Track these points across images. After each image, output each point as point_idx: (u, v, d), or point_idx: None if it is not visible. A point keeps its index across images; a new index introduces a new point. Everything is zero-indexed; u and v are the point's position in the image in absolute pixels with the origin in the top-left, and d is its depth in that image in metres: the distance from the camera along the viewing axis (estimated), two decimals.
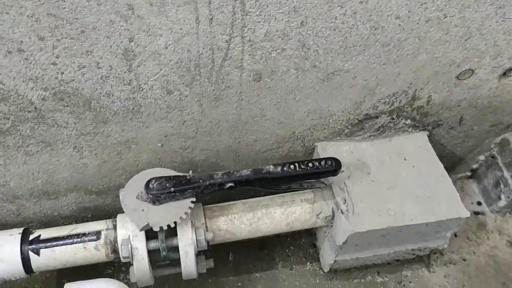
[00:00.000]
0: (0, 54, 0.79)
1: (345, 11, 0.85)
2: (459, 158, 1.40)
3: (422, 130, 1.22)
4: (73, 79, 0.86)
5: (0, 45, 0.77)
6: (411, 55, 0.98)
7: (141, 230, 0.95)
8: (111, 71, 0.87)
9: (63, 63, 0.83)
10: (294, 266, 1.35)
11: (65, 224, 1.29)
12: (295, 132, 1.14)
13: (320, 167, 1.03)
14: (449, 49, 0.98)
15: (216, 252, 1.20)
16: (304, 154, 1.23)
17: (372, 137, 1.20)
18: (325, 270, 1.30)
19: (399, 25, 0.90)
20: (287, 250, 1.38)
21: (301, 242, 1.39)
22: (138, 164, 1.13)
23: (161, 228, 0.96)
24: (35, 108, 0.90)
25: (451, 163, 1.41)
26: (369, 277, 1.34)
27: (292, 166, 1.02)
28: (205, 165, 1.19)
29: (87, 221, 1.29)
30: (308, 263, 1.36)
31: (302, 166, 1.03)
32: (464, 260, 1.39)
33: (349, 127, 1.16)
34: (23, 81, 0.84)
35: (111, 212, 1.30)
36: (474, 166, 1.47)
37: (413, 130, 1.22)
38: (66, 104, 0.91)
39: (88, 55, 0.82)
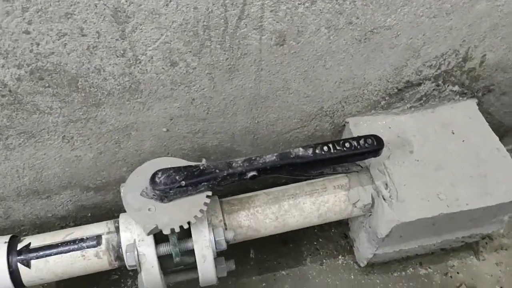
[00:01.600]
0: None
1: None
2: (509, 128, 1.22)
3: (471, 97, 1.05)
4: (52, 51, 0.69)
5: None
6: (468, 4, 0.80)
7: (148, 234, 0.79)
8: (99, 39, 0.69)
9: (37, 31, 0.65)
10: (324, 260, 1.19)
11: (62, 226, 1.13)
12: (324, 107, 0.97)
13: (359, 147, 0.86)
14: None
15: (235, 250, 1.02)
16: (333, 132, 1.06)
17: (413, 109, 1.02)
18: (362, 265, 1.13)
19: None
20: (315, 243, 1.22)
21: (330, 233, 1.23)
22: (140, 153, 0.96)
23: (172, 230, 0.79)
24: (10, 91, 0.73)
25: (499, 133, 1.22)
26: (411, 269, 1.17)
27: (325, 148, 0.85)
28: (218, 151, 1.02)
29: (86, 221, 1.14)
30: (340, 257, 1.19)
31: (338, 147, 0.85)
32: None
33: (387, 98, 0.98)
34: None
35: (114, 209, 1.14)
36: None
37: (461, 98, 1.04)
38: (47, 85, 0.74)
39: (68, 18, 0.64)
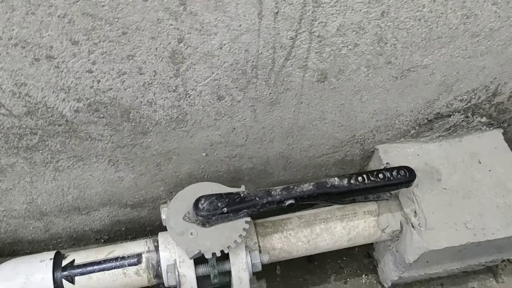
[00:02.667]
0: (26, 62, 0.65)
1: None
2: None
3: (497, 127, 1.08)
4: (111, 87, 0.73)
5: (25, 52, 0.64)
6: (501, 46, 0.83)
7: (191, 258, 0.83)
8: (155, 77, 0.73)
9: (100, 70, 0.69)
10: (348, 279, 1.23)
11: (97, 239, 1.18)
12: (356, 135, 1.00)
13: (392, 178, 0.90)
14: None
15: (262, 266, 1.07)
16: (362, 157, 1.10)
17: (441, 138, 1.06)
18: (386, 286, 1.17)
19: (495, 12, 0.75)
20: (339, 261, 1.26)
21: (354, 252, 1.26)
22: (178, 175, 1.00)
23: (213, 254, 0.83)
24: (66, 121, 0.77)
25: None
26: None
27: (360, 178, 0.89)
28: (252, 173, 1.06)
29: (120, 234, 1.18)
30: (363, 275, 1.23)
31: (372, 178, 0.89)
32: None
33: (416, 127, 1.01)
34: (53, 92, 0.71)
35: (147, 224, 1.18)
36: None
37: (487, 128, 1.07)
38: (101, 116, 0.78)
39: (129, 60, 0.69)
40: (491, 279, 1.23)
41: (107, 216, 1.09)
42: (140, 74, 0.72)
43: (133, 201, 1.06)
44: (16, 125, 0.76)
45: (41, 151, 0.83)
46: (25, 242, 1.12)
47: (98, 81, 0.71)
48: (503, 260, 1.23)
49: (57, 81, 0.69)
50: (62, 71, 0.68)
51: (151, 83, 0.74)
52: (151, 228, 1.20)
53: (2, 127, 0.75)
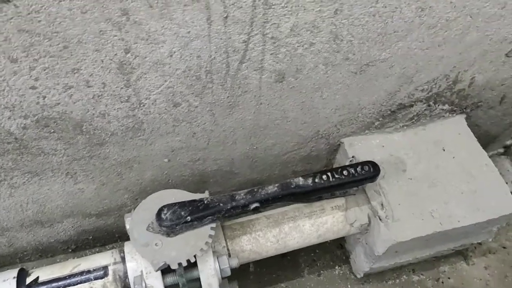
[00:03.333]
0: None
1: None
2: (494, 136, 1.26)
3: (460, 113, 1.08)
4: (58, 102, 0.70)
5: None
6: (459, 36, 0.82)
7: (157, 270, 0.81)
8: (104, 89, 0.70)
9: (44, 86, 0.66)
10: (321, 271, 1.23)
11: (64, 249, 1.15)
12: (320, 131, 0.99)
13: (356, 174, 0.89)
14: (503, 25, 0.83)
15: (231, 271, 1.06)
16: (328, 151, 1.09)
17: (405, 127, 1.06)
18: (358, 276, 1.17)
19: (451, 2, 0.74)
20: (312, 254, 1.26)
21: (327, 244, 1.26)
22: (141, 182, 0.98)
23: (180, 264, 0.81)
24: (15, 138, 0.74)
25: (484, 142, 1.27)
26: (404, 276, 1.22)
27: (324, 177, 0.88)
28: (218, 175, 1.04)
29: (88, 243, 1.15)
30: (336, 267, 1.23)
31: (336, 176, 0.88)
32: (504, 247, 1.28)
33: (380, 119, 1.01)
34: None
35: (115, 231, 1.16)
36: (508, 142, 1.34)
37: (450, 115, 1.07)
38: (52, 131, 0.75)
39: (74, 73, 0.65)
40: (461, 262, 1.25)
41: (72, 227, 1.06)
42: (88, 87, 0.69)
43: (97, 210, 1.03)
44: None
45: None
46: None
47: (44, 97, 0.68)
48: (472, 243, 1.25)
49: (0, 100, 0.66)
50: (3, 90, 0.64)
51: (101, 95, 0.71)
52: (120, 234, 1.18)
53: None
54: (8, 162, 0.79)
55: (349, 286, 1.20)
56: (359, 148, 1.04)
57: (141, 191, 1.00)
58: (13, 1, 0.53)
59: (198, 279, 0.89)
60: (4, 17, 0.55)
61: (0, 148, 0.75)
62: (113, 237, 1.18)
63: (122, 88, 0.71)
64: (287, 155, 1.04)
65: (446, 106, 1.03)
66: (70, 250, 1.17)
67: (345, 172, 0.89)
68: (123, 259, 0.92)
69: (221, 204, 0.84)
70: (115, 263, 0.92)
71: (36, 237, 1.06)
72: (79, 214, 1.02)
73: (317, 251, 1.26)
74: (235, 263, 0.90)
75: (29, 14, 0.55)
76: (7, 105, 0.67)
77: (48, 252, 1.15)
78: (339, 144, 1.07)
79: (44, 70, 0.63)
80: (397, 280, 1.21)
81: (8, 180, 0.83)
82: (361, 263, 1.11)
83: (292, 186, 0.87)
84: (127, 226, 0.88)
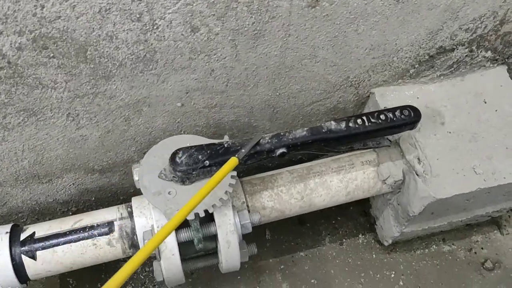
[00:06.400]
0: None
1: None
2: None
3: (501, 64, 0.98)
4: (58, 15, 0.59)
5: None
6: None
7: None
8: (112, 0, 0.60)
9: None
10: (344, 240, 1.13)
11: (63, 211, 1.05)
12: (350, 77, 0.89)
13: (395, 119, 0.79)
14: None
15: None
16: (356, 104, 0.99)
17: (442, 77, 0.95)
18: (386, 244, 1.07)
19: None
20: (333, 222, 1.16)
21: (349, 211, 1.17)
22: (151, 131, 0.88)
23: (196, 215, 0.71)
24: (9, 62, 0.64)
25: None
26: (434, 246, 1.12)
27: (359, 121, 0.78)
28: (234, 127, 0.94)
29: (90, 205, 1.05)
30: (360, 235, 1.14)
31: (373, 120, 0.78)
32: None
33: (416, 65, 0.91)
34: None
35: (119, 193, 1.06)
36: None
37: (491, 65, 0.97)
38: (51, 55, 0.65)
39: None
40: (495, 231, 1.15)
41: (73, 184, 0.96)
42: None
43: (101, 165, 0.93)
44: None
45: None
46: None
47: (42, 6, 0.57)
48: (508, 211, 1.15)
49: None
50: None
51: (109, 8, 0.60)
52: (124, 196, 1.08)
53: None
54: (1, 95, 0.69)
55: (374, 255, 1.11)
56: (391, 99, 0.94)
57: (150, 142, 0.90)
58: None
59: (215, 236, 0.79)
60: None
61: None
62: (117, 199, 1.08)
63: (133, 1, 0.60)
64: (311, 105, 0.94)
65: (489, 54, 0.93)
66: (71, 213, 1.07)
67: (382, 117, 0.79)
68: (130, 214, 0.82)
69: (243, 149, 0.74)
70: (121, 218, 0.82)
71: (32, 195, 0.96)
72: (81, 169, 0.92)
73: (339, 218, 1.16)
74: (257, 218, 0.80)
75: None
76: None
77: (45, 215, 1.05)
78: (369, 96, 0.96)
79: None
80: (426, 250, 1.12)
81: (0, 119, 0.73)
82: (390, 228, 1.02)
83: (323, 130, 0.77)
84: (136, 177, 0.79)
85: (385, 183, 0.90)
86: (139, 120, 0.84)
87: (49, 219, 1.06)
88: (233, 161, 0.69)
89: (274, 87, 0.86)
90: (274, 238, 1.12)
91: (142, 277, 1.07)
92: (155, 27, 0.65)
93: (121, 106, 0.79)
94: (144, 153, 0.92)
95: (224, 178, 0.75)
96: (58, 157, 0.87)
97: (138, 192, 0.91)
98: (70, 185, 0.97)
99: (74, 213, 1.07)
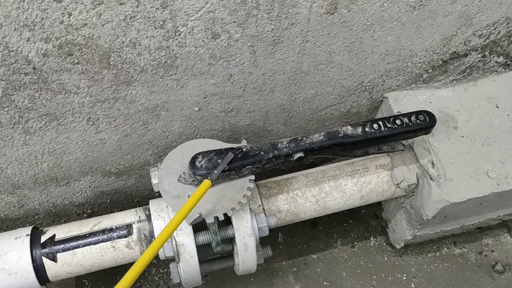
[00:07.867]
0: None
1: None
2: None
3: None
4: (85, 22, 0.60)
5: None
6: None
7: (191, 223, 0.72)
8: (138, 9, 0.61)
9: None
10: (355, 242, 1.14)
11: (79, 213, 1.06)
12: (364, 82, 0.90)
13: (410, 124, 0.80)
14: None
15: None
16: (369, 109, 1.00)
17: (455, 82, 0.96)
18: (398, 247, 1.08)
19: None
20: (345, 225, 1.17)
21: (360, 214, 1.18)
22: (168, 135, 0.89)
23: (216, 218, 0.72)
24: (34, 68, 0.65)
25: None
26: (445, 249, 1.13)
27: (375, 126, 0.79)
28: (250, 131, 0.95)
29: (105, 207, 1.07)
30: (371, 238, 1.15)
31: (388, 125, 0.79)
32: None
33: (430, 70, 0.92)
34: (14, 30, 0.59)
35: (134, 195, 1.07)
36: None
37: (503, 70, 0.98)
38: (76, 61, 0.66)
39: None
40: (505, 234, 1.16)
41: (89, 186, 0.98)
42: (120, 4, 0.59)
43: (117, 168, 0.94)
44: None
45: (6, 109, 0.70)
46: None
47: (70, 14, 0.59)
48: None
49: (19, 15, 0.57)
50: (23, 0, 0.55)
51: (134, 16, 0.62)
52: (139, 199, 1.09)
53: None
54: (25, 100, 0.70)
55: (385, 258, 1.12)
56: (404, 104, 0.95)
57: (166, 146, 0.92)
58: None
59: (232, 239, 0.80)
60: None
61: (16, 80, 0.66)
62: (132, 202, 1.09)
63: (158, 8, 0.62)
64: (326, 110, 0.95)
65: (501, 59, 0.94)
66: (86, 215, 1.08)
67: (398, 122, 0.80)
68: (148, 217, 0.83)
69: (262, 153, 0.75)
70: (140, 221, 0.83)
71: (50, 197, 0.97)
72: (98, 172, 0.93)
73: (351, 221, 1.17)
74: (273, 221, 0.81)
75: None
76: (26, 22, 0.58)
77: (61, 217, 1.06)
78: (382, 100, 0.97)
79: None
80: (437, 253, 1.12)
81: (23, 123, 0.74)
82: (402, 231, 1.02)
83: (340, 135, 0.78)
84: (154, 180, 0.80)
85: (399, 187, 0.91)
86: (156, 124, 0.85)
87: (65, 221, 1.09)
88: (206, 183, 0.70)
89: (290, 92, 0.87)
90: (286, 240, 1.13)
91: (157, 279, 1.08)
92: (177, 34, 0.67)
93: (140, 110, 0.80)
94: (160, 157, 0.95)
95: (242, 182, 0.76)
96: (77, 160, 0.88)
97: (152, 195, 0.93)
98: (86, 188, 0.98)
99: (89, 216, 1.08)
